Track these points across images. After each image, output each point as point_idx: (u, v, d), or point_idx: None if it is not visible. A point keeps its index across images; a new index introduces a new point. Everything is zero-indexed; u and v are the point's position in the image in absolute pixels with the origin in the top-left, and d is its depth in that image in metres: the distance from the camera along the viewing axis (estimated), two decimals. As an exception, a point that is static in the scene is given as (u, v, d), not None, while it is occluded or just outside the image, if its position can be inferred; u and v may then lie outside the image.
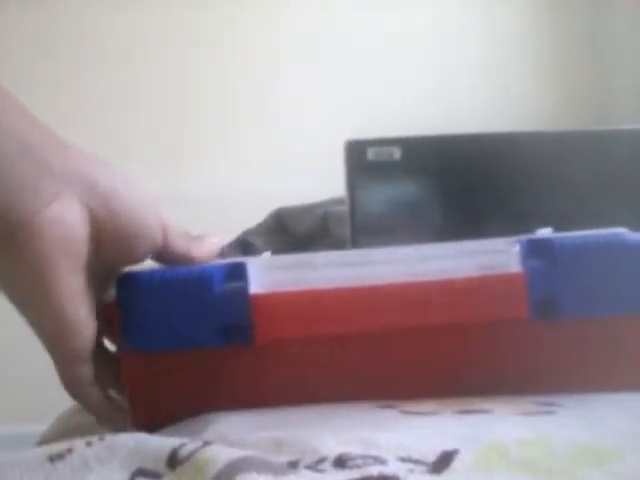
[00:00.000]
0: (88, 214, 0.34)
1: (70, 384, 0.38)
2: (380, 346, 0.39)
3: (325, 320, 0.38)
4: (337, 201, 0.82)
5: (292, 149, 2.00)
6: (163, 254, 0.39)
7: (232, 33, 1.99)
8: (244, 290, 0.37)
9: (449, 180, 0.64)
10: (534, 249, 0.38)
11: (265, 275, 0.38)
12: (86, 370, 0.37)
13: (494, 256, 0.38)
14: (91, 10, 1.93)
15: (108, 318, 0.38)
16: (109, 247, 0.36)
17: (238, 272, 0.38)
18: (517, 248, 0.38)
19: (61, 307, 0.35)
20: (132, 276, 0.38)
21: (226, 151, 1.99)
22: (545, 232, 0.44)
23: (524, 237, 0.39)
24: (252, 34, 2.00)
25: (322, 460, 0.30)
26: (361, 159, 0.64)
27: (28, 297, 0.35)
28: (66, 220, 0.34)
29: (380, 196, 0.66)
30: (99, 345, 0.39)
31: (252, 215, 0.94)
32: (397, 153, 0.63)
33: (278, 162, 1.98)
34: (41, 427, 0.50)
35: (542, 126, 1.95)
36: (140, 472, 0.30)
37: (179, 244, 0.39)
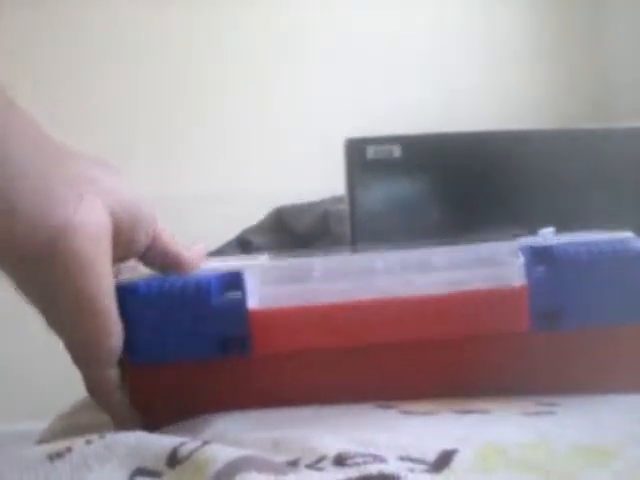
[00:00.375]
0: (108, 211, 0.35)
1: (99, 388, 0.38)
2: (380, 358, 0.39)
3: (324, 334, 0.37)
4: (337, 199, 0.82)
5: (292, 148, 2.00)
6: (151, 251, 0.38)
7: (232, 32, 1.99)
8: (242, 304, 0.37)
9: (449, 178, 0.64)
10: (537, 259, 0.38)
11: (262, 286, 0.38)
12: (114, 373, 0.37)
13: (497, 268, 0.38)
14: (90, 10, 1.93)
15: None
16: (120, 242, 0.36)
17: (235, 282, 0.37)
18: (521, 260, 0.37)
19: (103, 308, 0.35)
20: (129, 288, 0.37)
21: (226, 150, 1.99)
22: (547, 232, 0.44)
23: (527, 244, 0.39)
24: (252, 33, 2.00)
25: (321, 459, 0.30)
26: (361, 157, 0.64)
27: (66, 304, 0.35)
28: (96, 222, 0.34)
29: (380, 194, 0.66)
30: None
31: (252, 214, 0.94)
32: (397, 151, 0.63)
33: (278, 161, 1.98)
34: (41, 425, 0.50)
35: (542, 124, 1.95)
36: (140, 471, 0.30)
37: (172, 242, 0.39)
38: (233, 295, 0.37)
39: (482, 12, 2.09)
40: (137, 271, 0.41)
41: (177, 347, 0.37)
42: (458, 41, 2.08)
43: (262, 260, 0.43)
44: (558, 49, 2.10)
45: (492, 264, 0.38)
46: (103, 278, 0.35)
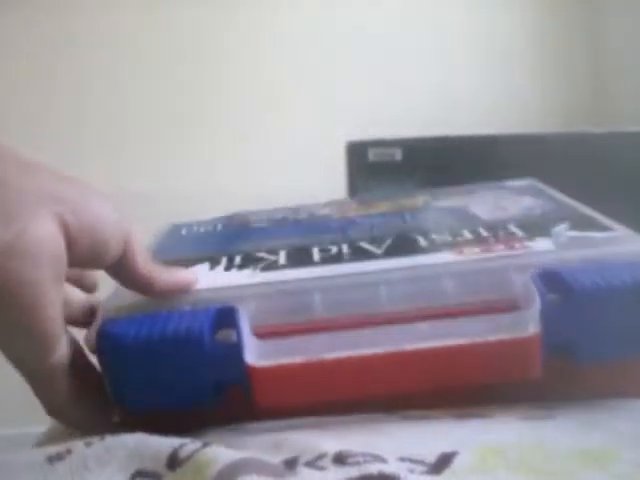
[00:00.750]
0: (62, 228, 0.34)
1: (51, 401, 0.37)
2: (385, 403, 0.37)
3: (329, 389, 0.35)
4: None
5: (293, 150, 2.00)
6: (121, 268, 0.37)
7: (232, 32, 1.99)
8: (238, 353, 0.35)
9: (450, 181, 0.64)
10: (551, 287, 0.35)
11: (258, 332, 0.35)
12: (66, 384, 0.36)
13: (511, 314, 0.35)
14: (89, 10, 1.94)
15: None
16: (77, 257, 0.35)
17: (228, 320, 0.36)
18: (537, 304, 0.35)
19: (45, 327, 0.34)
20: (114, 334, 0.36)
21: (227, 151, 1.99)
22: (560, 229, 0.43)
23: (539, 272, 0.36)
24: (252, 34, 2.00)
25: (322, 456, 0.30)
26: (362, 160, 0.64)
27: (6, 321, 0.33)
28: (46, 239, 0.33)
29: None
30: (81, 358, 0.38)
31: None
32: (398, 154, 0.63)
33: (279, 163, 1.99)
34: (41, 429, 0.49)
35: (543, 128, 1.96)
36: (139, 473, 0.30)
37: (143, 263, 0.37)
38: (227, 336, 0.35)
39: (483, 14, 2.09)
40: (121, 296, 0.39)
41: (170, 396, 0.35)
42: (459, 43, 2.08)
43: (256, 278, 0.41)
44: (560, 52, 2.10)
45: (502, 314, 0.35)
46: (49, 301, 0.33)
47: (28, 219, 0.33)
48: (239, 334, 0.35)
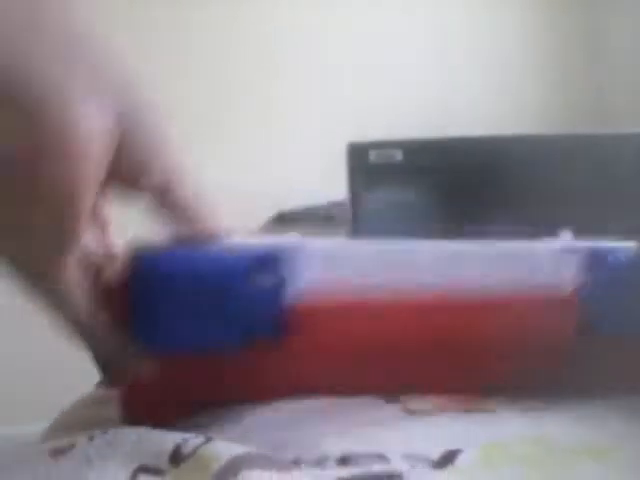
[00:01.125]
0: (117, 128, 0.30)
1: (70, 314, 0.33)
2: (414, 360, 0.36)
3: (360, 333, 0.35)
4: (339, 204, 0.82)
5: (293, 151, 2.00)
6: (164, 195, 0.33)
7: (233, 32, 1.99)
8: (277, 294, 0.34)
9: (451, 182, 0.64)
10: (589, 264, 0.36)
11: (299, 275, 0.35)
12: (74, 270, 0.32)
13: (547, 274, 0.35)
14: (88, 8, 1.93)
15: (108, 304, 0.34)
16: (120, 167, 0.31)
17: (271, 265, 0.34)
18: (573, 267, 0.35)
19: (74, 224, 0.30)
20: (150, 266, 0.34)
21: (226, 151, 1.99)
22: (566, 235, 0.43)
23: (577, 248, 0.36)
24: (253, 33, 2.00)
25: (325, 457, 0.30)
26: (363, 161, 0.64)
27: (37, 212, 0.29)
28: (99, 135, 0.29)
29: (382, 198, 0.66)
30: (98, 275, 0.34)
31: (253, 217, 0.94)
32: (399, 155, 0.63)
33: (279, 164, 1.98)
34: (42, 427, 0.49)
35: (543, 129, 1.96)
36: (142, 469, 0.30)
37: (191, 194, 0.34)
38: (268, 280, 0.34)
39: (483, 14, 2.09)
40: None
41: (199, 335, 0.35)
42: (459, 43, 2.08)
43: (294, 239, 0.39)
44: (559, 52, 2.10)
45: (540, 269, 0.36)
46: (81, 203, 0.29)
47: (85, 105, 0.28)
48: (280, 276, 0.34)
